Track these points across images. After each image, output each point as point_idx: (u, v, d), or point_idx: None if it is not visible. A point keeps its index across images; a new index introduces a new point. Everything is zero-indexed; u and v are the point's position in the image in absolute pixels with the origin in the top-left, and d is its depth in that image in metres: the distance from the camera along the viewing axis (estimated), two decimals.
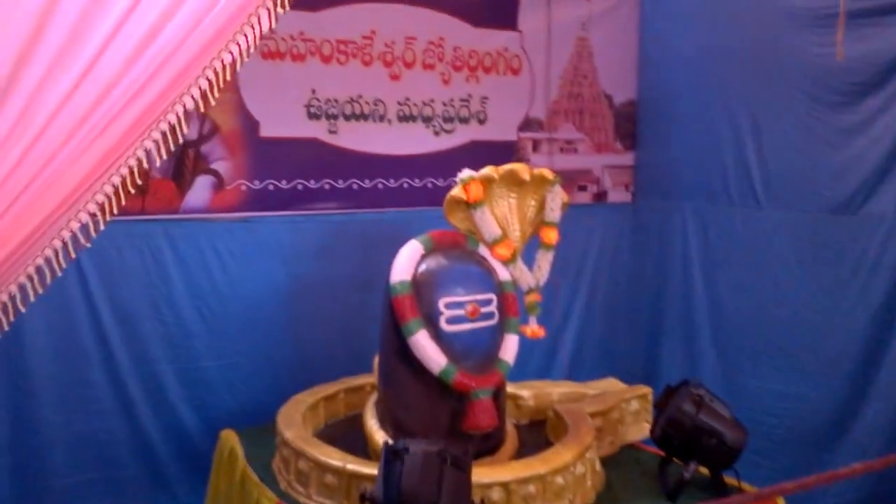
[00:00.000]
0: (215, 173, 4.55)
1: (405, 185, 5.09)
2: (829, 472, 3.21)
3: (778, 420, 5.02)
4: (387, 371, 3.86)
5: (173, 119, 2.20)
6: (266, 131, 4.65)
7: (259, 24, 2.25)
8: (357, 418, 4.06)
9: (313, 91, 4.78)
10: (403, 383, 3.74)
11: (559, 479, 3.49)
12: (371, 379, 4.14)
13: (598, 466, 3.84)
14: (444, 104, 5.19)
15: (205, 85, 2.24)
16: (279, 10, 2.27)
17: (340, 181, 4.90)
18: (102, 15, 2.00)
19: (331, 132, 4.84)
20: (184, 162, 4.46)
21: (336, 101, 4.84)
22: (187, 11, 2.07)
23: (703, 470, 3.78)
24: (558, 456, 3.57)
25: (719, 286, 5.41)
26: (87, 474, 4.38)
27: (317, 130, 4.81)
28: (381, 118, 4.99)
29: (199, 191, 4.52)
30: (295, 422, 3.87)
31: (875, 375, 4.66)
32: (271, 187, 4.70)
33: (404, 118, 5.06)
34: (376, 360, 3.98)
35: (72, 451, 4.34)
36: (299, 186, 4.78)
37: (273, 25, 2.29)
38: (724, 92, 5.33)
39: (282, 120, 4.70)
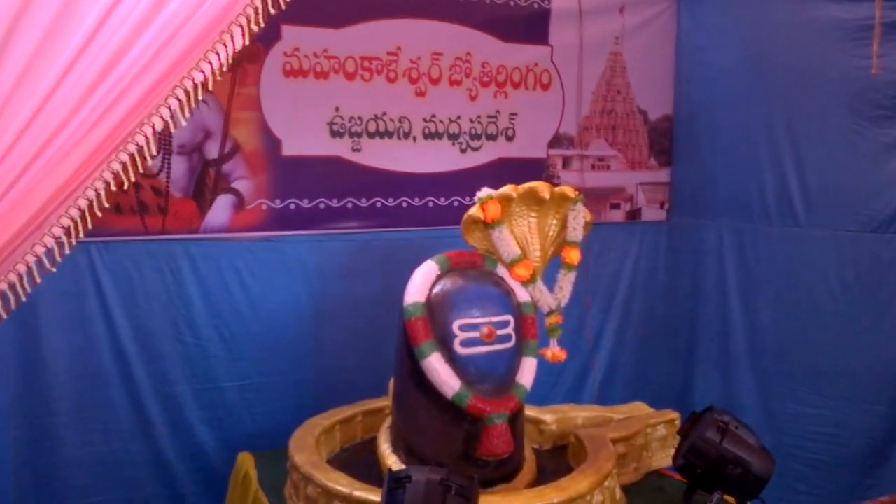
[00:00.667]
0: (236, 192, 4.50)
1: (430, 204, 5.01)
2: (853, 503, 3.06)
3: (818, 445, 4.87)
4: (400, 394, 3.78)
5: (142, 140, 2.13)
6: (288, 150, 4.59)
7: (232, 41, 2.17)
8: (374, 442, 3.97)
9: (336, 109, 4.71)
10: (416, 407, 3.65)
11: None
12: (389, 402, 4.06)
13: (618, 494, 3.72)
14: (471, 121, 5.10)
15: (175, 105, 2.15)
16: (253, 27, 2.19)
17: (364, 200, 4.84)
18: (68, 33, 1.95)
19: (354, 150, 4.77)
20: (204, 181, 4.42)
21: (360, 118, 4.77)
22: (156, 29, 2.01)
23: (730, 499, 3.65)
24: (574, 484, 3.45)
25: (757, 307, 5.25)
26: (106, 495, 4.37)
27: (340, 149, 4.74)
28: (406, 136, 4.91)
29: (220, 210, 4.48)
30: (307, 446, 3.78)
31: None
32: (293, 206, 4.64)
33: (430, 135, 4.98)
34: (391, 382, 3.91)
35: (90, 471, 4.33)
36: (321, 205, 4.72)
37: (246, 42, 2.21)
38: (763, 106, 5.17)
39: (304, 138, 4.64)
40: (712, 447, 3.51)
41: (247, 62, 4.41)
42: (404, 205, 4.95)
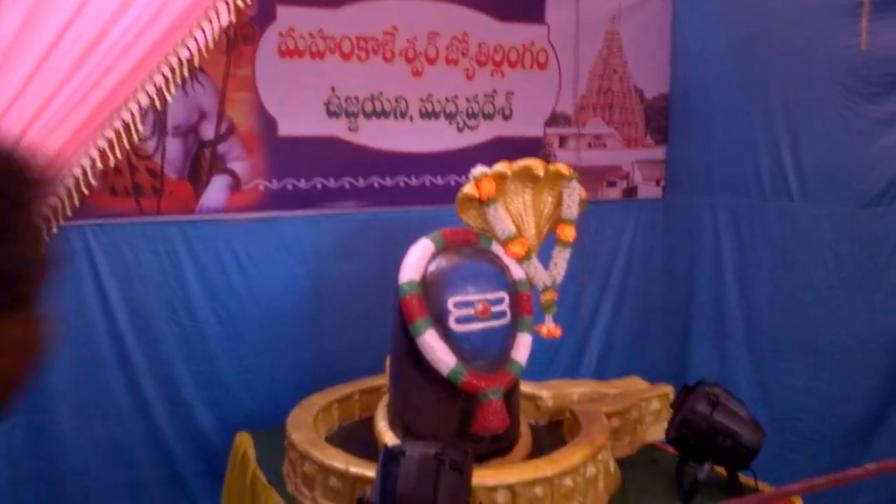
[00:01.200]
0: (232, 173, 4.51)
1: (427, 183, 5.02)
2: (840, 472, 3.08)
3: (813, 416, 4.90)
4: (396, 372, 3.81)
5: (128, 117, 2.15)
6: (284, 130, 4.60)
7: (218, 18, 2.18)
8: (372, 420, 4.00)
9: (333, 89, 4.71)
10: (412, 384, 3.68)
11: (567, 481, 3.40)
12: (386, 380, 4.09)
13: (612, 467, 3.75)
14: (468, 100, 5.10)
15: (160, 81, 2.17)
16: (239, 3, 2.19)
17: (361, 179, 4.84)
18: (55, 9, 1.96)
19: (351, 130, 4.77)
20: (200, 162, 4.43)
21: (356, 98, 4.77)
22: (142, 4, 2.02)
23: (721, 470, 3.70)
24: (567, 457, 3.48)
25: (752, 283, 5.27)
26: (105, 477, 4.37)
27: (336, 129, 4.75)
28: (403, 115, 4.91)
29: (216, 191, 4.48)
30: (304, 424, 3.82)
31: None
32: (290, 187, 4.65)
33: (427, 115, 4.99)
34: (388, 360, 3.94)
35: (89, 454, 4.33)
36: (318, 185, 4.72)
37: (233, 19, 2.22)
38: (758, 84, 5.18)
39: (300, 118, 4.64)
40: (703, 419, 3.56)
41: (242, 43, 4.41)
42: (401, 184, 4.96)
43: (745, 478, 3.72)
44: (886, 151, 4.58)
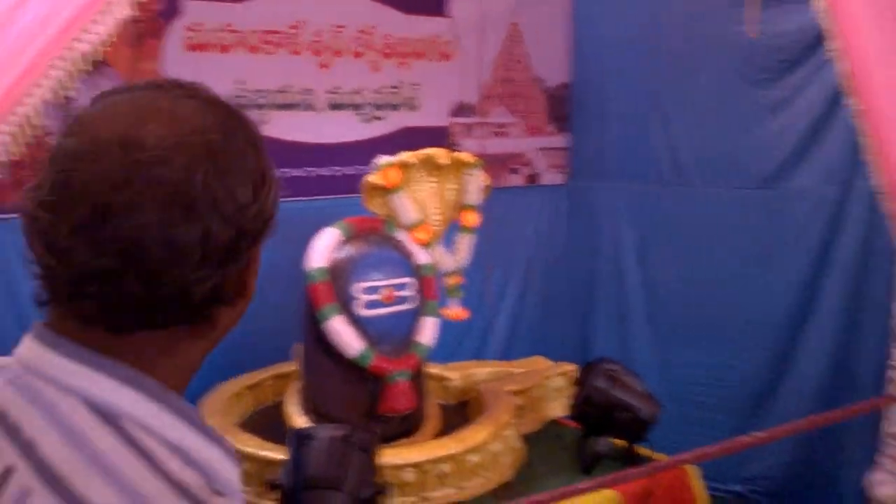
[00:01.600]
0: None
1: (337, 174, 5.10)
2: (729, 440, 3.27)
3: (709, 390, 5.13)
4: (306, 358, 3.91)
5: (29, 111, 2.18)
6: None
7: (116, 12, 2.23)
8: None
9: (242, 82, 4.77)
10: (322, 369, 3.80)
11: (474, 458, 3.55)
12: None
13: (517, 443, 3.90)
14: (375, 92, 5.19)
15: (60, 75, 2.21)
16: None
17: None
18: None
19: (260, 122, 4.82)
20: None
21: (265, 91, 4.84)
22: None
23: (621, 443, 3.88)
24: (473, 434, 3.63)
25: (652, 264, 5.48)
26: None
27: None
28: (311, 107, 4.99)
29: None
30: (215, 410, 3.89)
31: (798, 344, 4.83)
32: None
33: (334, 107, 5.06)
34: (295, 347, 4.03)
35: None
36: None
37: (133, 13, 2.27)
38: (655, 72, 5.36)
39: None
40: (602, 395, 3.74)
41: (149, 36, 4.45)
42: (311, 175, 5.03)
43: (643, 449, 3.90)
44: (775, 136, 4.82)
